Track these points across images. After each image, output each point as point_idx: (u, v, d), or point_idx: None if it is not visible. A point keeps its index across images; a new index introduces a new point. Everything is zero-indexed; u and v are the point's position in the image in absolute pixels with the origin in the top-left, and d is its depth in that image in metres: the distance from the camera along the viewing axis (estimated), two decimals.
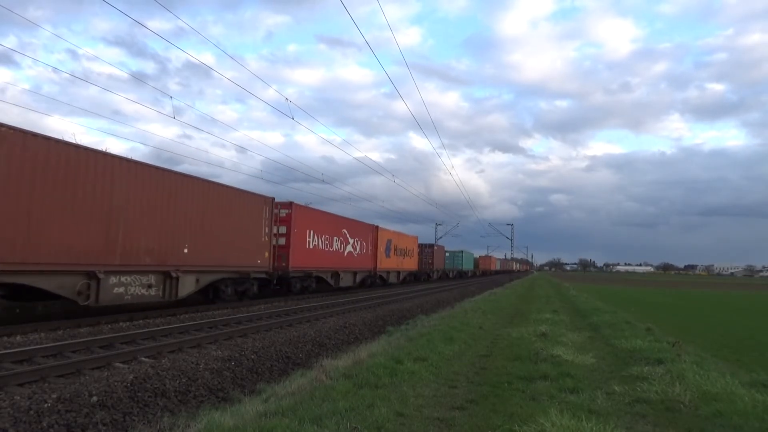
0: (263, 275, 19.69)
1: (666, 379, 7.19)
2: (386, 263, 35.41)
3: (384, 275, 35.50)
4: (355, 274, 29.34)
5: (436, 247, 52.98)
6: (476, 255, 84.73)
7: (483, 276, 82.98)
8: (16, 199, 10.52)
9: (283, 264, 21.00)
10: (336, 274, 26.57)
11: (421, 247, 48.66)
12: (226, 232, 17.10)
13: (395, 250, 37.36)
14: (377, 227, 33.49)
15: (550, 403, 5.83)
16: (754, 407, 5.86)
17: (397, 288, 35.36)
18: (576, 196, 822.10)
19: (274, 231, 20.49)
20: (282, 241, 21.11)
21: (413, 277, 45.62)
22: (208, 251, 16.30)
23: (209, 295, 17.74)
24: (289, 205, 21.95)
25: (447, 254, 61.01)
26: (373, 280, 33.38)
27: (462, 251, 65.72)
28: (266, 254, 19.47)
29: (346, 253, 27.76)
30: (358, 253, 29.55)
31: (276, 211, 20.82)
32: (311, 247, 23.50)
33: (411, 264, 42.67)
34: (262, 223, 19.41)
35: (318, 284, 25.50)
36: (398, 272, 39.05)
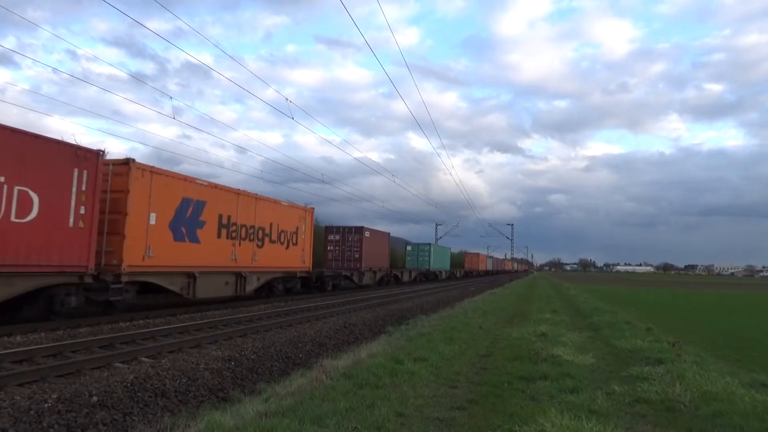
0: None
1: (666, 379, 7.19)
2: (181, 255, 15.24)
3: (168, 283, 14.90)
4: None
5: (367, 233, 31.57)
6: (456, 251, 69.93)
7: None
8: None
9: None
10: None
11: (343, 231, 30.88)
12: None
13: (231, 227, 17.53)
14: (129, 161, 13.25)
15: (550, 403, 5.83)
16: (754, 407, 5.86)
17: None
18: (575, 196, 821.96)
19: None
20: None
21: (301, 284, 23.57)
22: None
23: None
24: None
25: (409, 248, 45.88)
26: (103, 297, 12.74)
27: (430, 245, 48.50)
28: None
29: None
30: None
31: None
32: None
33: (289, 259, 21.85)
34: None
35: None
36: (239, 274, 18.12)
